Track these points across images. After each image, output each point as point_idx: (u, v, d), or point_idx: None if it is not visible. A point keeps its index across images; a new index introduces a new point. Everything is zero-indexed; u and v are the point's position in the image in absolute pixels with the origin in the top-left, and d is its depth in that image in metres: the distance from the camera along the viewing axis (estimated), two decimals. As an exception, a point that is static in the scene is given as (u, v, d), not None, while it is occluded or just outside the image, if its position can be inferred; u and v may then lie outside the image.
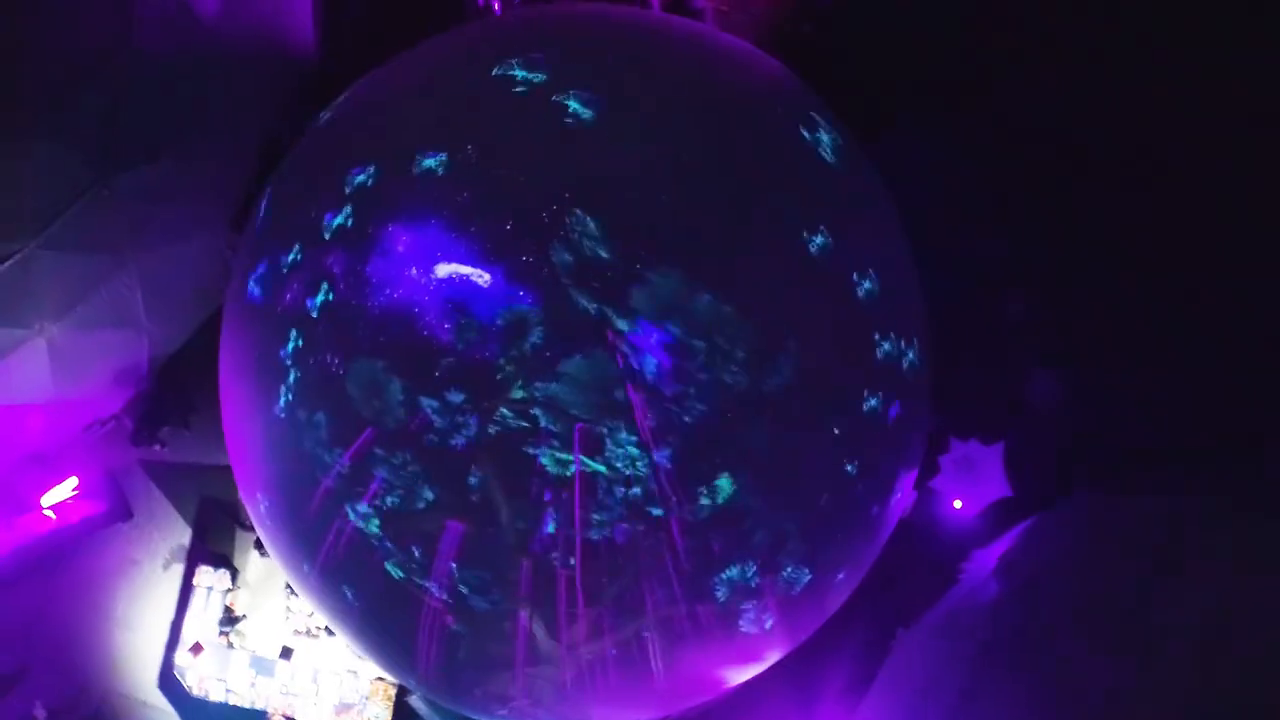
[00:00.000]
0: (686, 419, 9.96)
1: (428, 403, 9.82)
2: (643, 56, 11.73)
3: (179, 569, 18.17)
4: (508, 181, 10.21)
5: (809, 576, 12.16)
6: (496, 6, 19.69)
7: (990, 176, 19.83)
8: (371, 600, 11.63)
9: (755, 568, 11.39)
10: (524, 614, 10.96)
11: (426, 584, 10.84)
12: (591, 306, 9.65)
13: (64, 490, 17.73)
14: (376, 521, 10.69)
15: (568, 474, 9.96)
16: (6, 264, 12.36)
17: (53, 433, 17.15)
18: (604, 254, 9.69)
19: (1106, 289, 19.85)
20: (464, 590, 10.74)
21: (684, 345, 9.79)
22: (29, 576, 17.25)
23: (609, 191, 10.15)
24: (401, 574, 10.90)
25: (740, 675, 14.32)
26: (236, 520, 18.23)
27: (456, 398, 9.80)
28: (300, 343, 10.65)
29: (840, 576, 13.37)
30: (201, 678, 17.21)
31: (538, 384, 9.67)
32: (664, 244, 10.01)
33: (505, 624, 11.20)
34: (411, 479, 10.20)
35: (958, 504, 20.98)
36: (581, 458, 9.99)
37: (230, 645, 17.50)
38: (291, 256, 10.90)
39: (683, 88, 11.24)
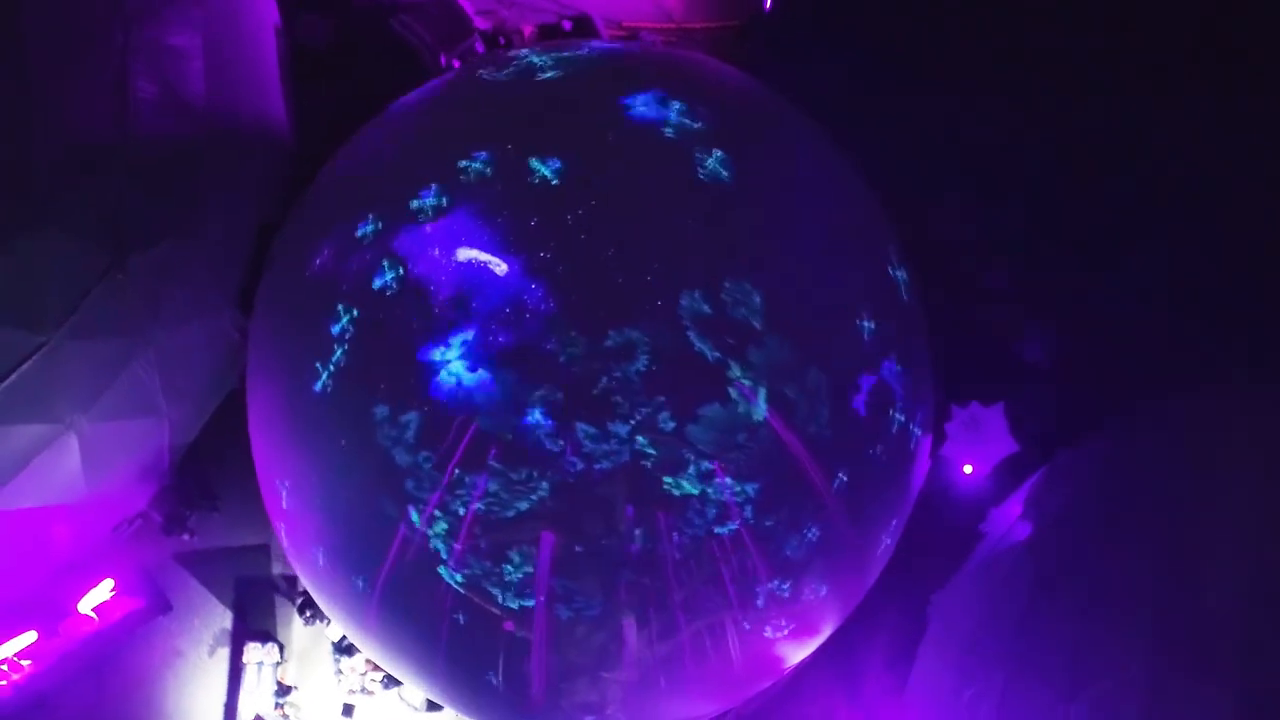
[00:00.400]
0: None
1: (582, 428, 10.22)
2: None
3: (225, 652, 18.05)
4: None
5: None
6: (455, 64, 20.49)
7: (957, 158, 20.78)
8: (452, 625, 11.69)
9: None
10: (625, 622, 11.18)
11: (512, 597, 11.05)
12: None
13: (102, 592, 17.64)
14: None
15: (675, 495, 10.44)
16: (34, 357, 12.57)
17: (84, 537, 17.11)
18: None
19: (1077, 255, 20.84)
20: (560, 601, 10.98)
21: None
22: (79, 681, 17.03)
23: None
24: (491, 589, 11.08)
25: (800, 650, 14.50)
26: (277, 592, 18.20)
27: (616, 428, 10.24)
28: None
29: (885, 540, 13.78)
30: (264, 754, 17.01)
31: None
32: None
33: (598, 633, 11.43)
34: (524, 492, 10.50)
35: (968, 469, 21.44)
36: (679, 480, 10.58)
37: (286, 717, 17.35)
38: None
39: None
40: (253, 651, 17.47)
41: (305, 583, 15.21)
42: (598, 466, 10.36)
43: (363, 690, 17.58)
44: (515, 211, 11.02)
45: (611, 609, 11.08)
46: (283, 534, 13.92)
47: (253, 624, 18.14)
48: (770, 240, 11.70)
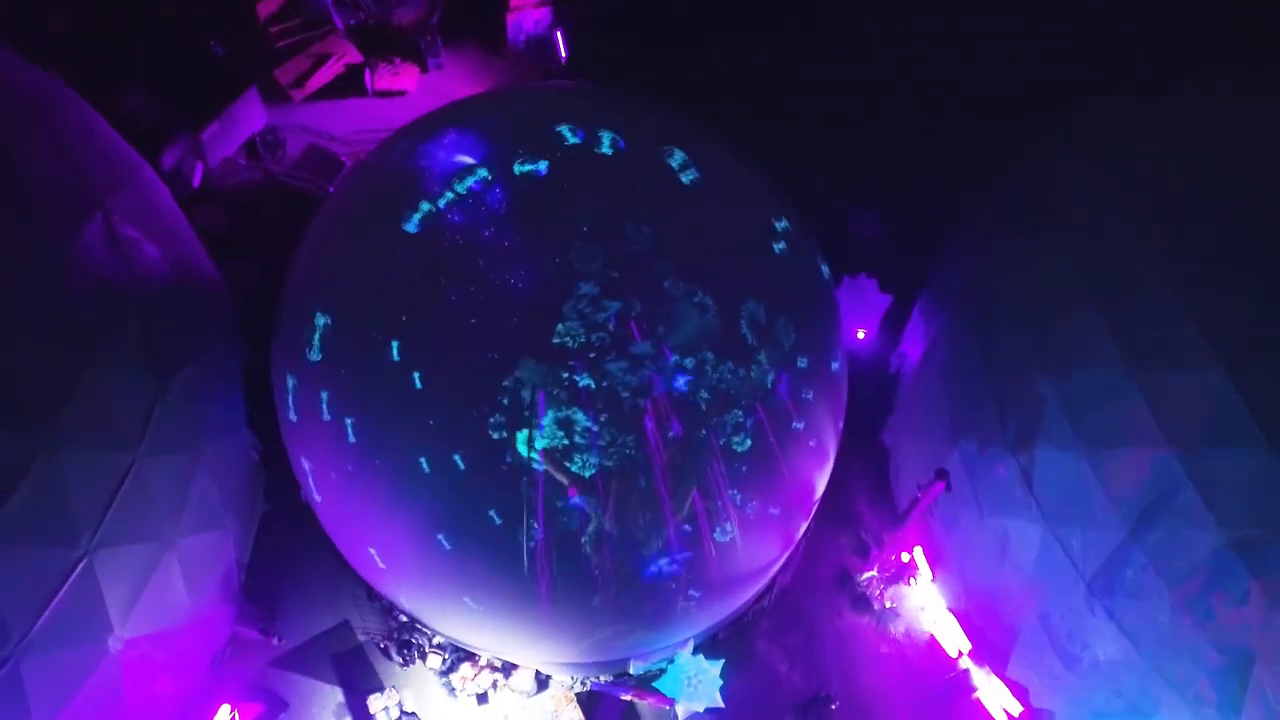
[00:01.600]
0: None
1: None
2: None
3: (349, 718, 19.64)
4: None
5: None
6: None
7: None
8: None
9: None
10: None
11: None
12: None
13: (223, 717, 19.02)
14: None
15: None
16: (129, 477, 14.78)
17: (189, 677, 18.51)
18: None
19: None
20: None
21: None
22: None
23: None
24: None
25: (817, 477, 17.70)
26: (370, 655, 20.03)
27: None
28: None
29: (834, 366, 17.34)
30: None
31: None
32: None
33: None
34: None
35: (860, 333, 25.41)
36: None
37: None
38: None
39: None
40: (375, 702, 19.20)
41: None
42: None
43: (476, 695, 19.47)
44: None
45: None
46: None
47: (362, 686, 19.82)
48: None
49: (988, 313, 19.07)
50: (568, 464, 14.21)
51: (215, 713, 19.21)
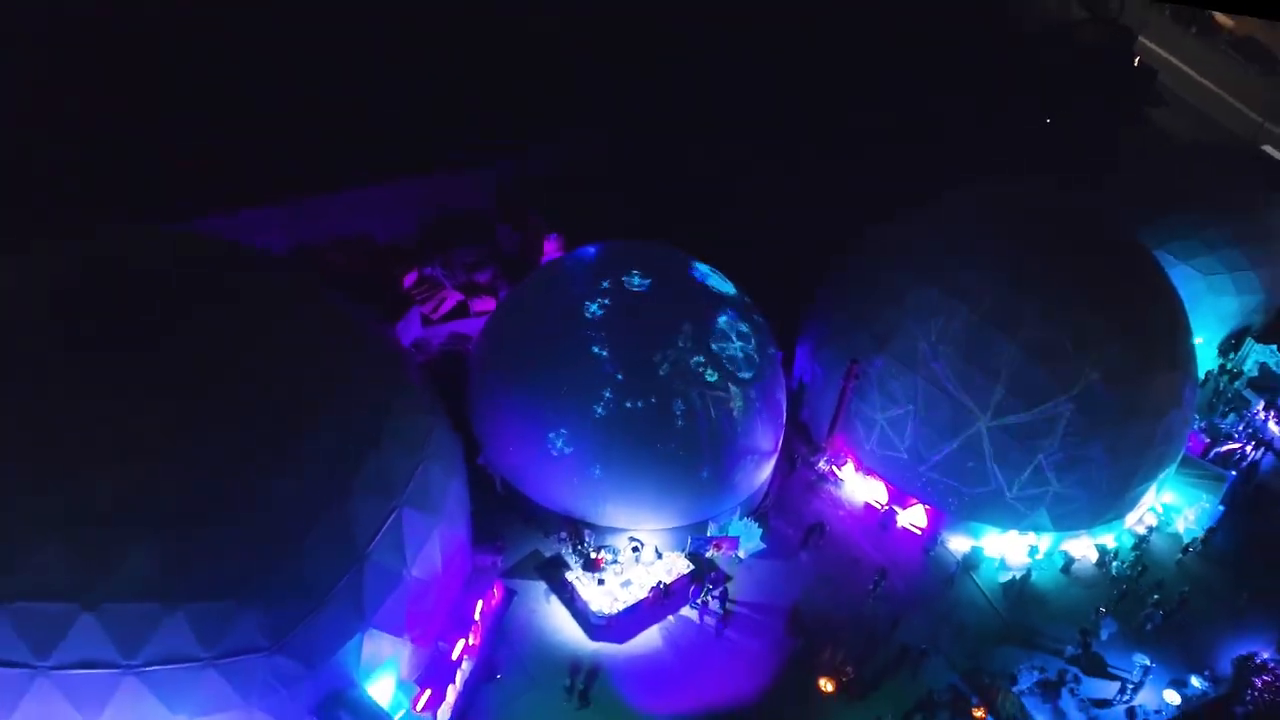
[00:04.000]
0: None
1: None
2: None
3: (553, 600, 31.09)
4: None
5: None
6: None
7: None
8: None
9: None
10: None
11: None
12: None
13: (491, 597, 30.01)
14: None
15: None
16: (414, 477, 26.55)
17: (453, 590, 29.33)
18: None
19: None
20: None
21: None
22: (496, 647, 29.47)
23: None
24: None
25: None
26: (558, 553, 31.71)
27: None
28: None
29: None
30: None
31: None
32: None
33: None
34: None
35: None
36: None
37: (602, 581, 30.82)
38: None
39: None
40: (572, 574, 30.84)
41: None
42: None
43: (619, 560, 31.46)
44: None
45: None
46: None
47: (553, 580, 31.40)
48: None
49: (840, 325, 34.23)
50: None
51: (476, 603, 29.99)
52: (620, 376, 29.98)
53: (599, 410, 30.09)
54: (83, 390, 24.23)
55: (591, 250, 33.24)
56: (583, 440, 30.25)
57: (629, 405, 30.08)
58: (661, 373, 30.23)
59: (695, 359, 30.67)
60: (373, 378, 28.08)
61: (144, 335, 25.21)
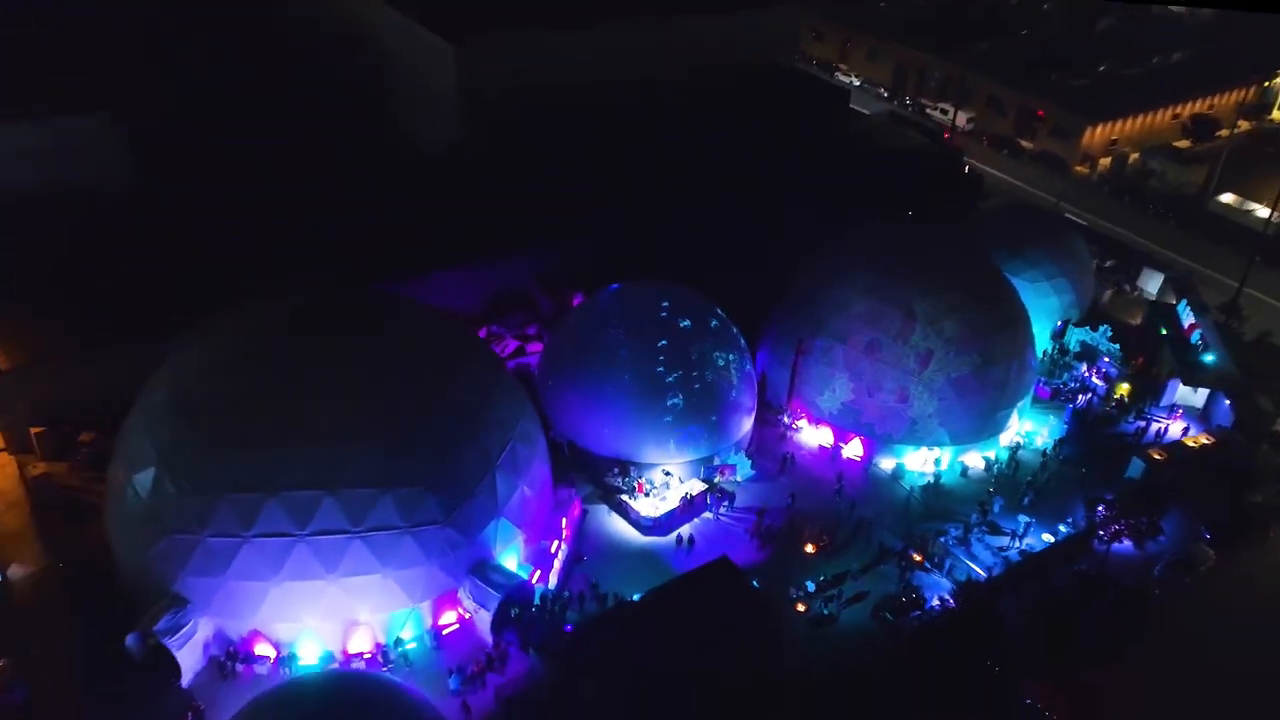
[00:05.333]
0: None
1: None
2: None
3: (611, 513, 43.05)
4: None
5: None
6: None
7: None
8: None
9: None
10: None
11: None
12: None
13: (574, 513, 41.86)
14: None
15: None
16: (506, 449, 39.80)
17: (547, 509, 41.44)
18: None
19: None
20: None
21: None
22: (580, 550, 41.16)
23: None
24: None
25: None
26: (612, 483, 43.90)
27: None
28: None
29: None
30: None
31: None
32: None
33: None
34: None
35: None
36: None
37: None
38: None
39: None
40: (624, 497, 42.99)
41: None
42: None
43: (651, 494, 43.69)
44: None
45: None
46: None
47: (612, 505, 43.44)
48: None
49: (788, 325, 48.84)
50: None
51: (567, 516, 41.71)
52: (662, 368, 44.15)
53: (646, 386, 43.91)
54: (312, 373, 36.88)
55: (615, 288, 47.58)
56: (633, 402, 43.53)
57: (668, 379, 43.79)
58: (694, 358, 44.45)
59: (712, 351, 45.09)
60: (489, 374, 41.38)
61: (354, 341, 38.28)
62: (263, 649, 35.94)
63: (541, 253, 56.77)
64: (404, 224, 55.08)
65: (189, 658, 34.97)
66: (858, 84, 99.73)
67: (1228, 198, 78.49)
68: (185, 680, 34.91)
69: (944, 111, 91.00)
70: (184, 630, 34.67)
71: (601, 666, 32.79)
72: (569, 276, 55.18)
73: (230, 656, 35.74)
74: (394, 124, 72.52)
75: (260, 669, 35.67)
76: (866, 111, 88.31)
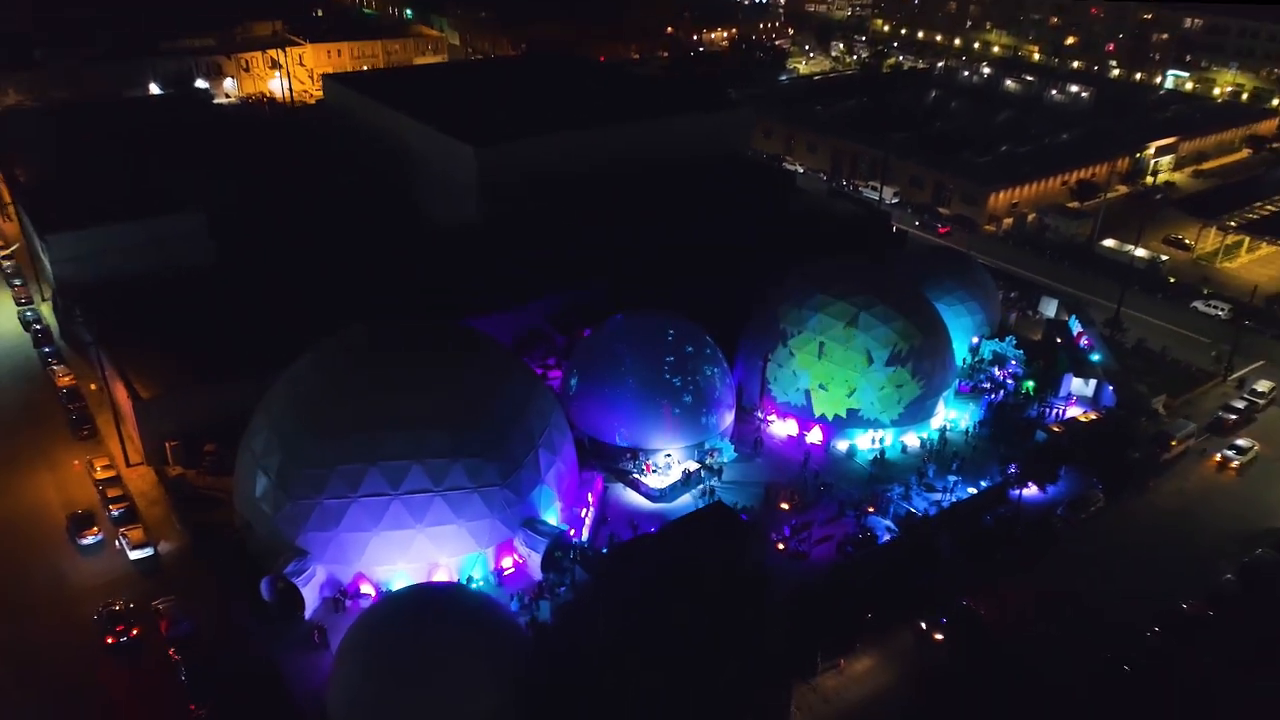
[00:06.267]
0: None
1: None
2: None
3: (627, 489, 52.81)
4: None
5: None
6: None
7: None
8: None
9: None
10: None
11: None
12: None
13: (598, 486, 51.55)
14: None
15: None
16: (544, 433, 50.54)
17: (574, 480, 51.23)
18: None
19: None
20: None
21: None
22: (601, 507, 50.77)
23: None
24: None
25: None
26: (624, 464, 53.79)
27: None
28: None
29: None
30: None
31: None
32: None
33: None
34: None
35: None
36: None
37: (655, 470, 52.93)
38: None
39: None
40: (635, 474, 52.82)
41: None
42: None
43: (657, 473, 53.65)
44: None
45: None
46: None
47: (627, 480, 53.29)
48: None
49: (757, 342, 60.12)
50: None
51: (593, 488, 51.43)
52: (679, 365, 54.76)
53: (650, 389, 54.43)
54: (399, 375, 47.19)
55: (618, 318, 58.53)
56: (640, 402, 53.93)
57: (676, 384, 54.45)
58: (687, 369, 54.99)
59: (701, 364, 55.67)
60: (529, 380, 51.89)
61: (427, 354, 48.77)
62: (366, 589, 44.72)
63: (551, 300, 68.25)
64: (436, 284, 66.47)
65: (311, 595, 43.68)
66: (801, 170, 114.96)
67: (1109, 242, 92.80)
68: (308, 613, 43.48)
69: (874, 188, 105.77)
70: (306, 573, 43.55)
71: (628, 576, 41.92)
72: (577, 316, 66.38)
73: (341, 594, 44.48)
74: (417, 209, 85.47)
75: (364, 604, 44.31)
76: (809, 190, 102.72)
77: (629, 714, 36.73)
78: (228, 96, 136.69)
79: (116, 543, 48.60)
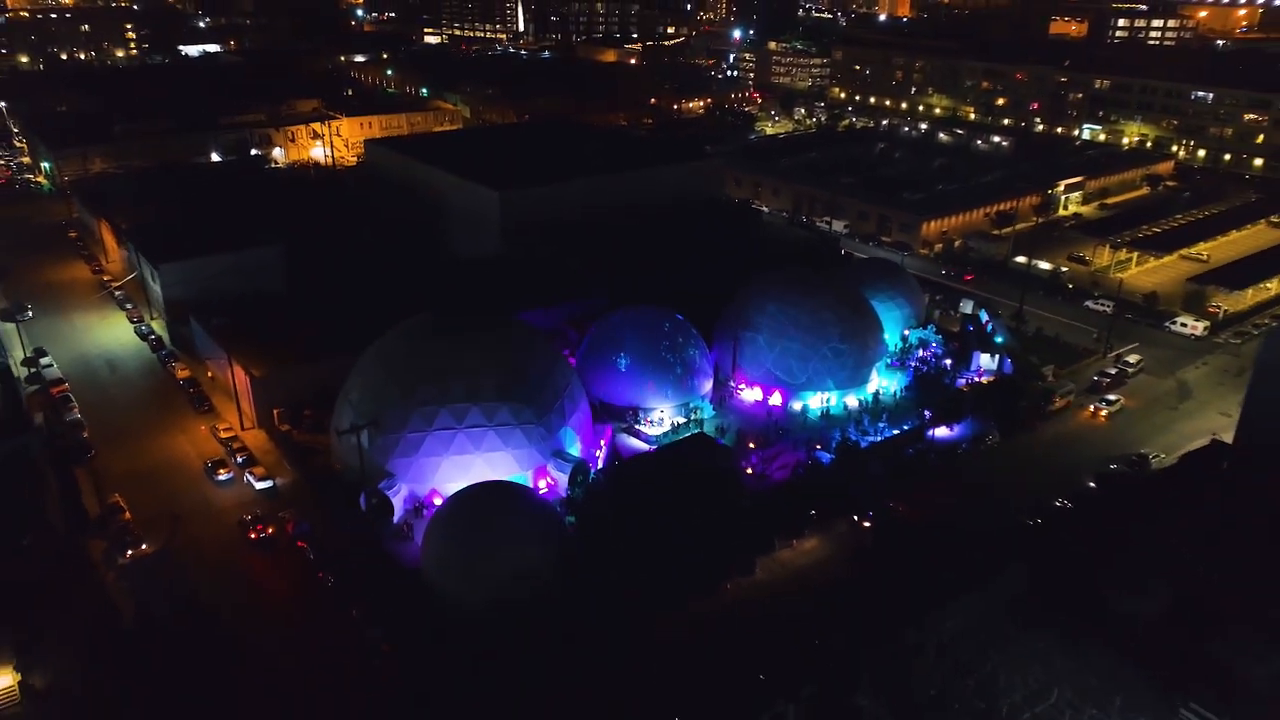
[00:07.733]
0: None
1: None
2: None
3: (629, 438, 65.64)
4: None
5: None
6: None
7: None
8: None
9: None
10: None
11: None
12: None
13: (609, 435, 64.33)
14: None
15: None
16: (568, 387, 64.07)
17: (588, 423, 64.05)
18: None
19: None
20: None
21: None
22: (611, 447, 63.51)
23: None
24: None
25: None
26: (630, 420, 66.71)
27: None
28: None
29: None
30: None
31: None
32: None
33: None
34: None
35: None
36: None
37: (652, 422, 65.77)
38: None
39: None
40: (637, 424, 65.76)
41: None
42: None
43: (656, 425, 66.60)
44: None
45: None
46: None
47: (630, 429, 66.16)
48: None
49: (729, 331, 73.80)
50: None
51: (603, 436, 64.22)
52: (667, 345, 68.07)
53: (641, 360, 67.48)
54: (459, 344, 60.50)
55: (621, 312, 71.99)
56: (638, 370, 67.14)
57: (668, 359, 67.69)
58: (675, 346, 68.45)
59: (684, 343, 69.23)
60: (554, 352, 65.16)
61: (480, 333, 62.16)
62: (438, 502, 57.10)
63: (566, 307, 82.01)
64: (467, 302, 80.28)
65: (398, 504, 56.02)
66: (767, 210, 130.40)
67: (1020, 259, 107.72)
68: (396, 518, 55.77)
69: (827, 222, 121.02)
70: (394, 488, 55.98)
71: (629, 485, 54.62)
72: (587, 318, 79.97)
73: (419, 505, 56.82)
74: (447, 244, 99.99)
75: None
76: (773, 223, 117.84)
77: (637, 563, 49.31)
78: (276, 162, 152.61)
79: (245, 478, 61.15)
